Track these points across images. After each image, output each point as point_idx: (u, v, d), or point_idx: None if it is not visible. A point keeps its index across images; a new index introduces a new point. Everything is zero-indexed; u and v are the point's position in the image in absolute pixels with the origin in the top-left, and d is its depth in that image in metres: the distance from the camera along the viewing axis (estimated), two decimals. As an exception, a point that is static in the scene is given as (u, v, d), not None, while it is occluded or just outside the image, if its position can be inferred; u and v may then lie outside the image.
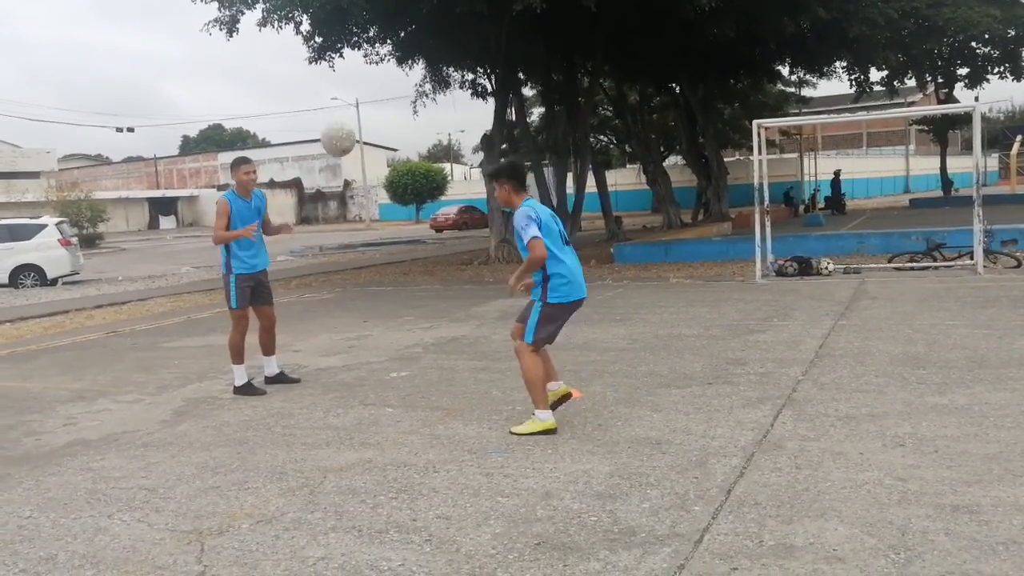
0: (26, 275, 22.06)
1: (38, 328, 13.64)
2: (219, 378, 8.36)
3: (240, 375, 7.62)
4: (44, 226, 22.81)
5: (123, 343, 11.32)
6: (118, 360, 9.94)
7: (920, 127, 51.67)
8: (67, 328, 13.47)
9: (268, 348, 7.93)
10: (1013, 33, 33.01)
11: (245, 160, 7.79)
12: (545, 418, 5.75)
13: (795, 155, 47.25)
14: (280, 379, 7.88)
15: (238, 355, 7.62)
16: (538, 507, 4.37)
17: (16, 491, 5.21)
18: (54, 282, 22.25)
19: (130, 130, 68.36)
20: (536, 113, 37.78)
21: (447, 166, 76.32)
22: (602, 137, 46.38)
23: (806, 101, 41.95)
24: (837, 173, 38.03)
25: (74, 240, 23.76)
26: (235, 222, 7.58)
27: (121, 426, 6.70)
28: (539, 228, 5.67)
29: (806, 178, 45.40)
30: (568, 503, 4.40)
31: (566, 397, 5.95)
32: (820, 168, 47.08)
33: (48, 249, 22.28)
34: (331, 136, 6.83)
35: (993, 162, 67.07)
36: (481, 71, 25.10)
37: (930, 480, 4.40)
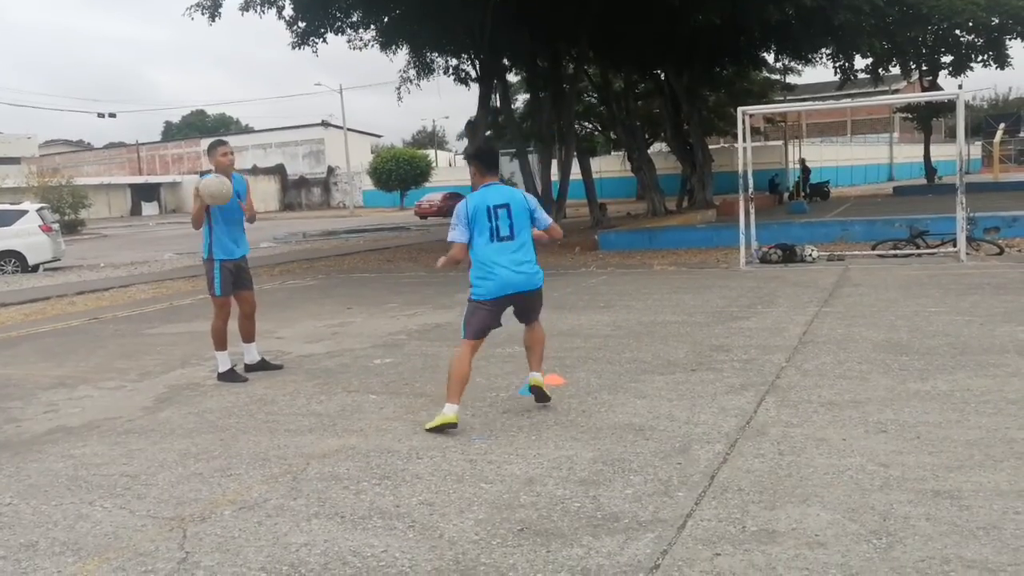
0: (7, 261, 21.87)
1: (19, 314, 13.53)
2: (201, 365, 8.32)
3: (224, 361, 7.59)
4: (25, 212, 22.61)
5: (105, 330, 11.25)
6: (100, 347, 9.87)
7: (904, 115, 51.92)
8: (48, 314, 13.37)
9: (248, 335, 7.87)
10: (997, 21, 33.18)
11: (221, 142, 7.73)
12: (447, 411, 5.57)
13: (780, 142, 47.36)
14: (262, 366, 7.84)
15: (221, 342, 7.59)
16: (521, 493, 4.36)
17: (-4, 478, 5.17)
18: (35, 268, 22.07)
19: (112, 116, 67.91)
20: (521, 100, 37.74)
21: (431, 152, 76.13)
22: (587, 124, 46.35)
23: (791, 88, 42.08)
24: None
25: (55, 226, 23.56)
26: (213, 207, 7.49)
27: (103, 413, 6.66)
28: (466, 224, 5.75)
29: (791, 165, 45.54)
30: (551, 489, 4.40)
31: (539, 390, 5.93)
32: (805, 156, 47.21)
33: (29, 235, 22.09)
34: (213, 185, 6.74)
35: (976, 150, 67.39)
36: (465, 57, 25.06)
37: (912, 466, 4.42)
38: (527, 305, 5.92)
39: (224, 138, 8.53)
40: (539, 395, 5.98)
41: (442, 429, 5.53)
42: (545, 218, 6.00)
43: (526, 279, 5.78)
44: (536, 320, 6.04)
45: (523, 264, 5.78)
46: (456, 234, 5.78)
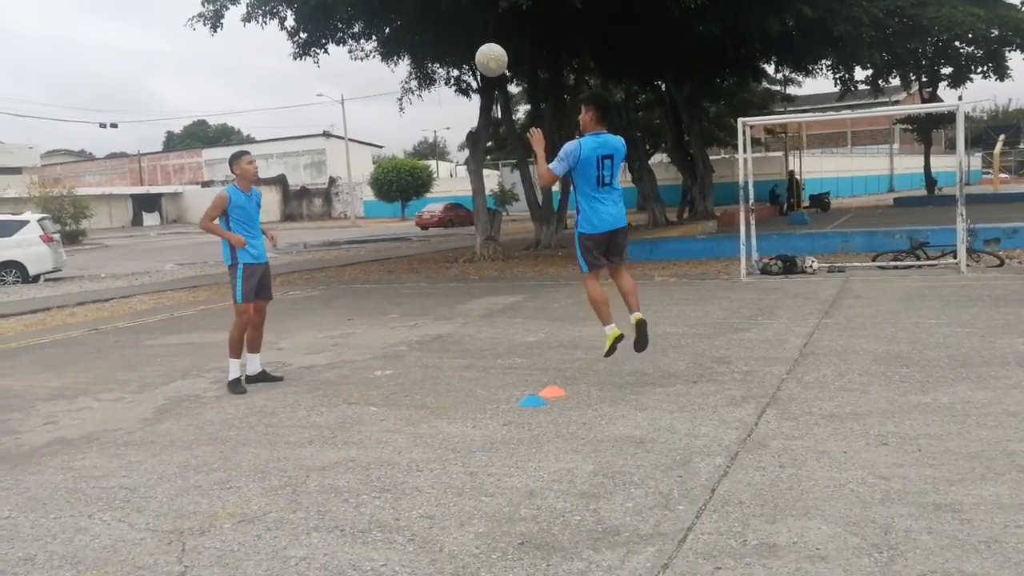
0: (8, 272, 21.86)
1: (19, 325, 13.53)
2: (202, 376, 8.31)
3: (234, 369, 7.59)
4: (26, 222, 22.64)
5: (105, 341, 11.24)
6: (100, 358, 9.87)
7: (904, 126, 52.02)
8: (49, 325, 13.37)
9: (254, 344, 7.87)
10: (996, 33, 33.24)
11: (245, 152, 7.91)
12: (608, 331, 6.89)
13: (780, 153, 47.40)
14: (262, 377, 7.82)
15: (236, 349, 7.62)
16: (522, 506, 4.35)
17: (-5, 490, 5.15)
18: (36, 279, 22.07)
19: (113, 126, 68.11)
20: (522, 110, 37.78)
21: (432, 163, 76.21)
22: (588, 135, 46.33)
23: (791, 99, 42.19)
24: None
25: (56, 237, 23.58)
26: (236, 216, 7.59)
27: (102, 424, 6.65)
28: (570, 166, 6.64)
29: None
30: (552, 502, 4.38)
31: (640, 324, 6.84)
32: (805, 167, 47.25)
33: (30, 245, 22.10)
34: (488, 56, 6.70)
35: (976, 161, 67.49)
36: (467, 68, 25.05)
37: (913, 479, 4.41)
38: (620, 241, 6.94)
39: (245, 147, 8.64)
40: (640, 330, 6.82)
41: (615, 347, 6.92)
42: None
43: (620, 217, 6.87)
44: (624, 262, 7.05)
45: (618, 205, 6.86)
46: (558, 167, 6.70)
